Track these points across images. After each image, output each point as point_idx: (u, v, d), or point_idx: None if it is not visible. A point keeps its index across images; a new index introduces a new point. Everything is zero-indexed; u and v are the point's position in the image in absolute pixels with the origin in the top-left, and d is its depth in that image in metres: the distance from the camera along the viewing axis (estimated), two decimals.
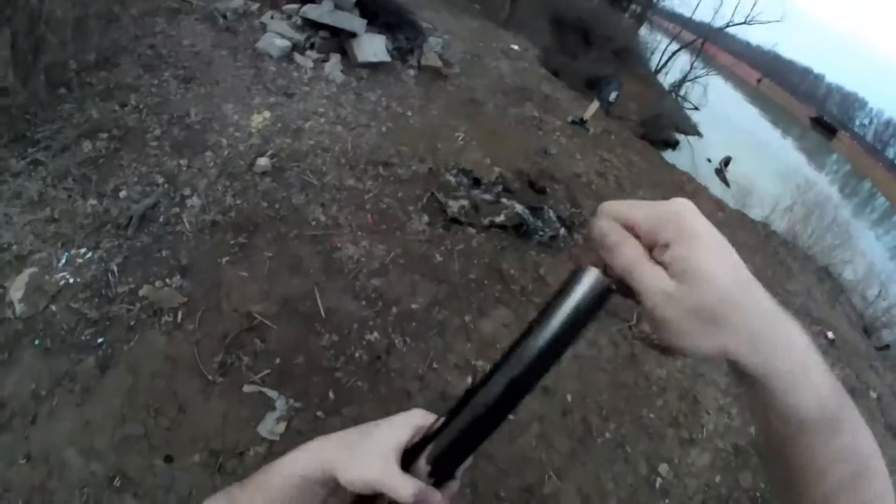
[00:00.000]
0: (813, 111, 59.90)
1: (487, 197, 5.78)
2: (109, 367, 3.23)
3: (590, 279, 0.57)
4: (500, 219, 5.47)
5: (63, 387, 3.08)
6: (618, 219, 0.55)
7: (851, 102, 70.65)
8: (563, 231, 5.82)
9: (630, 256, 0.52)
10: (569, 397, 4.25)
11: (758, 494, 4.49)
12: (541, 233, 5.61)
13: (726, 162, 17.13)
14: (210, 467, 2.97)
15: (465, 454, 0.65)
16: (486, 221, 5.41)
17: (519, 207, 5.67)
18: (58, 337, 3.28)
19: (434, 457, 0.65)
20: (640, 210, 0.54)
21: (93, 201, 4.12)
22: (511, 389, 0.61)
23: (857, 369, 6.98)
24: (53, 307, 3.42)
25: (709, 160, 17.00)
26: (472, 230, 5.30)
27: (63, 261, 3.68)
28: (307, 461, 0.70)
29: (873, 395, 6.76)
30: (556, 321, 0.59)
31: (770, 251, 9.11)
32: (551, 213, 5.94)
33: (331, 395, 3.55)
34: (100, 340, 3.33)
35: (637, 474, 4.08)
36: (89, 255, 3.77)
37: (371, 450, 0.67)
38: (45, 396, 3.01)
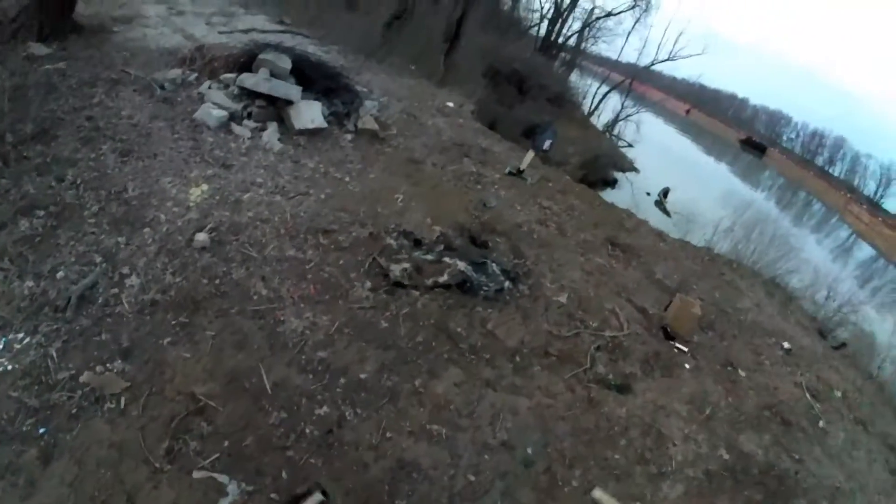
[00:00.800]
0: (742, 133, 62.97)
1: (430, 257, 5.82)
2: (53, 458, 3.13)
3: None
4: (443, 278, 5.50)
5: (6, 480, 2.99)
6: None
7: (777, 120, 74.85)
8: (507, 284, 5.88)
9: None
10: (529, 450, 4.24)
11: None
12: (486, 288, 5.65)
13: (665, 193, 17.76)
14: None
15: None
16: (429, 282, 5.43)
17: (462, 265, 5.72)
18: None
19: None
20: None
21: (30, 283, 4.04)
22: None
23: (818, 372, 7.14)
24: None
25: (648, 193, 17.61)
26: (416, 292, 5.31)
27: (0, 346, 3.60)
28: None
29: (838, 393, 6.92)
30: None
31: (716, 273, 9.37)
32: (495, 267, 6.01)
33: (284, 474, 3.46)
34: (41, 430, 3.24)
35: None
36: (27, 339, 3.68)
37: None
38: None
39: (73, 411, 3.37)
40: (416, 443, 3.92)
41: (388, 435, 3.88)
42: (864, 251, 31.54)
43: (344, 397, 4.04)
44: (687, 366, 6.00)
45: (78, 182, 5.10)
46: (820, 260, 18.73)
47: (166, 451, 3.32)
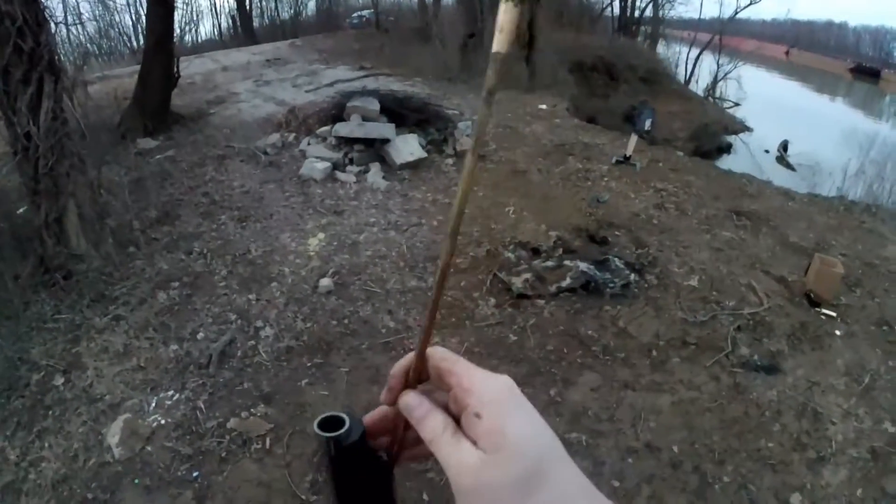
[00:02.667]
0: (850, 62, 57.54)
1: (550, 264, 5.74)
2: (207, 499, 3.34)
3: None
4: (566, 283, 5.42)
5: None
6: (435, 379, 0.59)
7: (883, 38, 67.71)
8: (633, 276, 5.70)
9: (433, 430, 0.54)
10: (676, 448, 4.05)
11: None
12: (611, 285, 5.50)
13: (784, 147, 16.51)
14: None
15: None
16: (553, 289, 5.36)
17: (583, 265, 5.62)
18: (155, 475, 3.45)
19: None
20: (456, 377, 0.56)
21: (174, 346, 4.40)
22: None
23: None
24: (149, 447, 3.61)
25: (766, 151, 16.45)
26: (541, 301, 5.26)
27: (153, 404, 3.92)
28: None
29: None
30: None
31: (854, 224, 8.54)
32: (618, 262, 5.84)
33: (425, 496, 3.53)
34: (195, 474, 3.47)
35: None
36: (177, 396, 4.00)
37: None
38: None
39: (223, 455, 3.60)
40: None
41: None
42: None
43: None
44: (838, 332, 5.51)
45: (205, 252, 5.56)
46: None
47: (311, 484, 3.47)
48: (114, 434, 3.64)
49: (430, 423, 0.55)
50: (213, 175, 7.24)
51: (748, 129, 19.17)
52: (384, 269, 5.53)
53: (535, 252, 5.99)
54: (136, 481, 3.41)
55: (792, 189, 10.05)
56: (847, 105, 37.71)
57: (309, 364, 4.36)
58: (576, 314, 5.19)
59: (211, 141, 8.30)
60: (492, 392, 0.54)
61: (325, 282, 5.18)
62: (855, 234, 8.03)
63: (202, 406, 3.92)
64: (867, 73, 51.67)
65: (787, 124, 19.56)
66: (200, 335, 4.55)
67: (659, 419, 4.25)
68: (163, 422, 3.79)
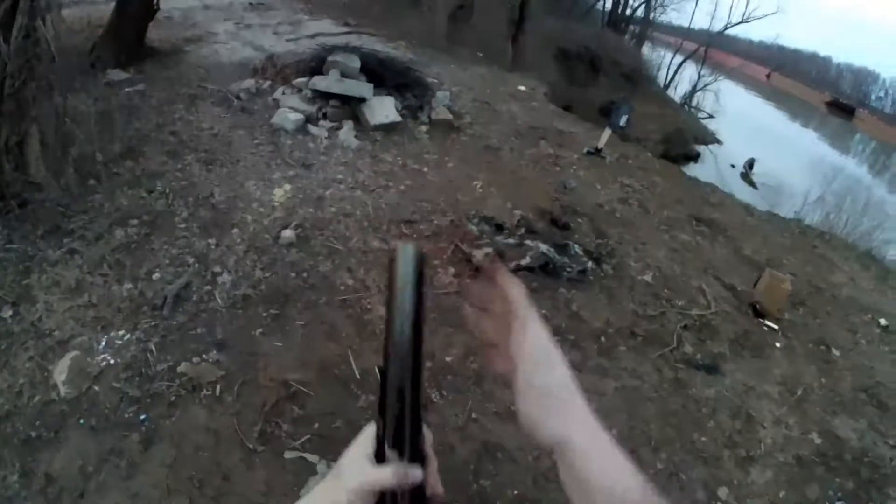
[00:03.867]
0: (827, 95, 59.01)
1: (511, 241, 5.80)
2: (153, 443, 3.30)
3: (406, 251, 0.80)
4: (525, 261, 5.47)
5: (110, 462, 3.16)
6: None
7: (864, 78, 69.51)
8: (590, 264, 5.79)
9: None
10: (615, 431, 4.16)
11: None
12: (568, 269, 5.58)
13: (750, 164, 16.96)
14: None
15: (413, 425, 0.79)
16: (512, 266, 5.39)
17: (544, 247, 5.68)
18: (102, 416, 3.39)
19: (392, 439, 0.77)
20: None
21: (128, 285, 4.29)
22: (409, 354, 0.79)
23: None
24: (96, 387, 3.54)
25: (732, 166, 16.89)
26: None
27: (103, 343, 3.82)
28: None
29: None
30: (405, 291, 0.80)
31: (807, 247, 8.89)
32: (577, 248, 5.93)
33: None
34: (142, 417, 3.43)
35: (695, 502, 3.97)
36: (128, 336, 3.91)
37: (345, 469, 0.79)
38: (92, 472, 3.08)
39: (172, 399, 3.56)
40: (502, 424, 3.94)
41: (474, 416, 3.92)
42: None
43: (430, 380, 4.10)
44: (778, 345, 5.75)
45: (167, 192, 5.41)
46: None
47: (259, 434, 3.46)
48: (61, 371, 3.55)
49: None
50: (183, 114, 7.03)
51: (718, 141, 19.61)
52: (348, 226, 5.49)
53: (499, 228, 6.03)
54: (82, 421, 3.35)
55: (752, 205, 10.35)
56: (818, 135, 38.71)
57: (265, 314, 4.32)
58: (532, 293, 5.10)
59: (184, 79, 8.05)
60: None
61: (288, 233, 5.12)
62: (806, 257, 8.33)
63: (153, 348, 3.85)
64: (842, 109, 53.03)
65: (757, 143, 20.04)
66: (156, 276, 4.44)
67: (602, 402, 4.37)
68: (112, 361, 3.71)
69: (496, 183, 7.10)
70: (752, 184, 15.69)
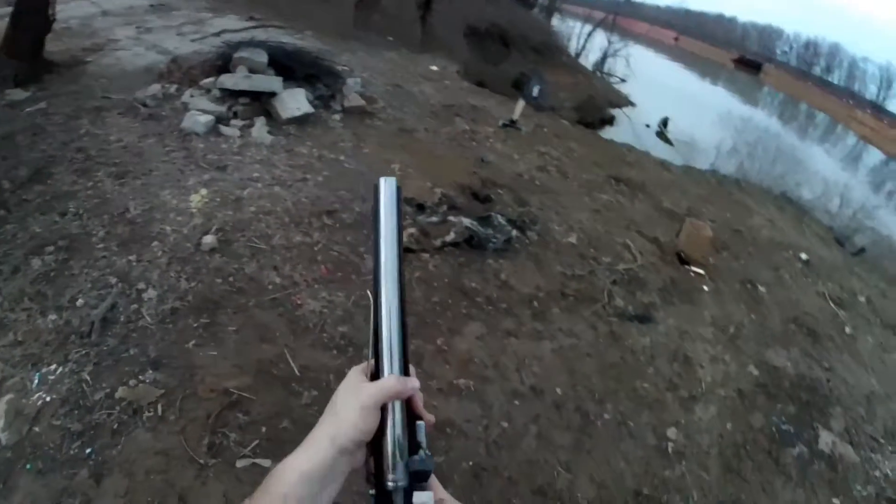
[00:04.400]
0: (734, 54, 61.45)
1: (434, 219, 5.84)
2: (104, 475, 3.18)
3: (388, 182, 0.91)
4: (450, 237, 5.53)
5: None
6: None
7: (769, 35, 73.05)
8: (515, 233, 5.92)
9: None
10: (559, 391, 4.30)
11: (773, 430, 4.56)
12: (494, 240, 5.68)
13: (664, 123, 17.48)
14: None
15: (403, 340, 0.85)
16: (437, 243, 5.46)
17: (467, 221, 5.74)
18: (48, 457, 3.23)
19: (388, 356, 0.84)
20: None
21: (53, 316, 4.08)
22: (396, 274, 0.87)
23: (839, 280, 7.13)
24: (37, 428, 3.37)
25: (647, 125, 17.35)
26: (425, 255, 5.34)
27: (36, 381, 3.63)
28: (317, 453, 0.79)
29: (861, 299, 6.90)
30: (389, 219, 0.90)
31: (724, 195, 9.32)
32: (500, 219, 6.02)
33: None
34: (88, 451, 3.29)
35: (646, 446, 4.13)
36: (60, 369, 3.72)
37: (343, 398, 0.83)
38: None
39: (115, 427, 3.42)
40: (447, 399, 4.00)
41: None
42: (874, 156, 30.81)
43: None
44: (706, 288, 6.01)
45: (80, 212, 5.13)
46: (829, 170, 18.40)
47: (208, 448, 3.39)
48: None
49: None
50: (89, 128, 6.68)
51: (632, 104, 20.13)
52: (269, 224, 5.38)
53: (420, 208, 6.05)
54: (29, 466, 3.19)
55: (668, 161, 10.72)
56: (727, 91, 40.32)
57: (195, 325, 4.20)
58: (460, 267, 5.32)
59: (87, 91, 7.63)
60: None
61: (209, 239, 4.97)
62: (724, 205, 8.73)
63: (87, 378, 3.68)
64: (749, 65, 55.36)
65: (669, 103, 20.70)
66: (80, 302, 4.23)
67: (541, 364, 4.49)
68: (48, 399, 3.54)
69: (414, 164, 7.11)
70: (667, 141, 16.19)
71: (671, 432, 4.27)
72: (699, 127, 17.39)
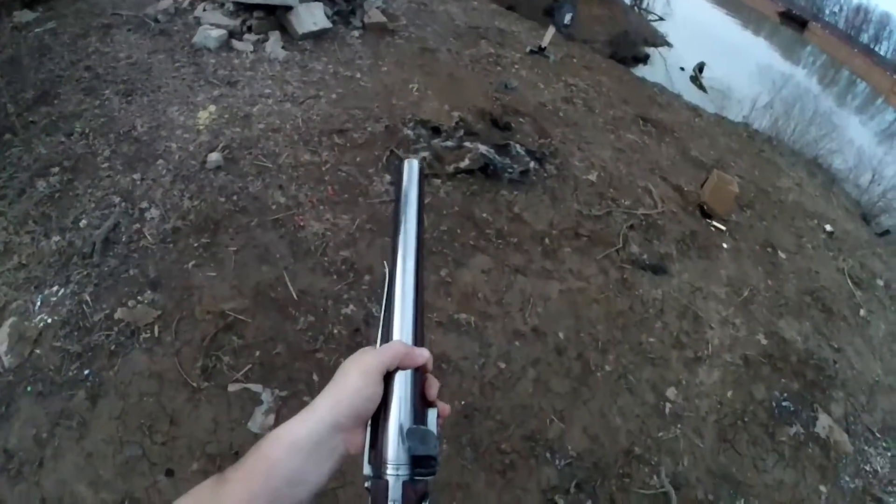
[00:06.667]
0: (780, 6, 58.81)
1: (449, 144, 5.62)
2: (100, 397, 3.23)
3: (411, 164, 0.94)
4: (464, 163, 5.32)
5: (61, 426, 3.09)
6: None
7: None
8: (533, 164, 5.67)
9: None
10: (562, 335, 4.18)
11: (774, 405, 4.44)
12: (510, 170, 5.45)
13: (700, 68, 16.78)
14: (209, 473, 2.89)
15: (418, 310, 0.82)
16: (450, 169, 5.26)
17: (483, 148, 5.50)
18: (47, 379, 3.28)
19: (401, 326, 0.80)
20: None
21: (56, 238, 4.07)
22: (417, 247, 0.87)
23: (861, 258, 6.89)
24: (38, 351, 3.41)
25: (682, 69, 16.64)
26: (437, 181, 5.17)
27: (39, 303, 3.66)
28: (312, 420, 0.72)
29: (880, 282, 6.68)
30: (409, 197, 0.91)
31: (754, 151, 8.96)
32: (519, 149, 5.78)
33: (315, 377, 3.52)
34: (86, 372, 3.33)
35: (644, 403, 4.04)
36: (61, 291, 3.74)
37: (350, 364, 0.76)
38: (46, 439, 3.02)
39: (113, 348, 3.44)
40: (446, 334, 3.91)
41: None
42: None
43: (370, 294, 4.03)
44: (725, 246, 5.80)
45: (86, 132, 5.06)
46: (864, 142, 17.61)
47: (202, 370, 3.40)
48: (1, 341, 3.43)
49: None
50: (98, 47, 6.49)
51: (668, 44, 19.27)
52: (277, 142, 5.23)
53: (436, 131, 5.81)
54: (29, 388, 3.24)
55: (700, 107, 10.28)
56: (769, 44, 38.62)
57: (196, 245, 4.15)
58: (472, 196, 5.15)
59: (96, 9, 7.38)
60: None
61: (214, 157, 4.85)
62: (753, 161, 8.37)
63: (88, 299, 3.69)
64: (795, 20, 52.81)
65: (707, 48, 19.78)
66: (83, 223, 4.21)
67: (547, 305, 4.35)
68: (49, 320, 3.56)
69: (433, 86, 6.82)
70: (701, 87, 15.57)
71: (671, 392, 4.16)
72: (736, 77, 16.61)
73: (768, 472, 4.03)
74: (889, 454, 4.62)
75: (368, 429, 0.73)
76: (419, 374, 0.77)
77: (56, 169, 4.65)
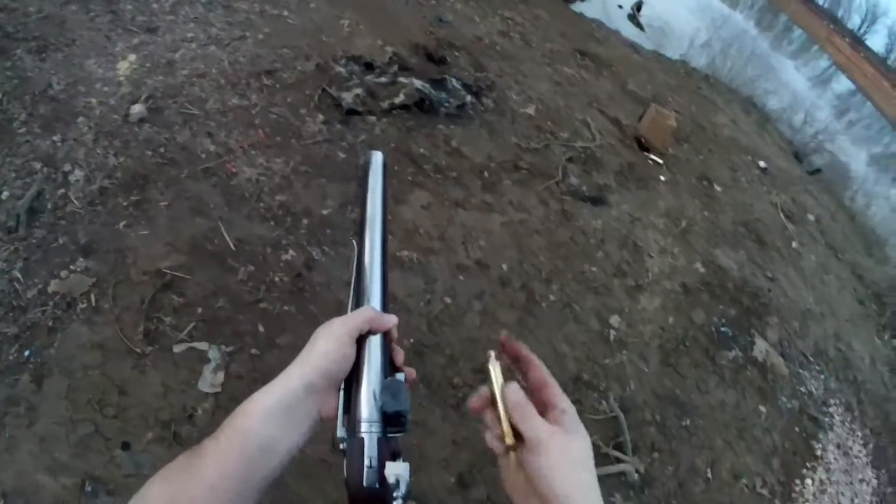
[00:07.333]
0: None
1: (383, 80, 5.47)
2: (45, 377, 3.10)
3: (377, 155, 1.09)
4: (399, 99, 5.22)
5: (10, 414, 2.96)
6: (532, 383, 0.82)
7: None
8: (470, 98, 5.62)
9: (526, 411, 0.73)
10: (505, 267, 4.21)
11: (713, 330, 4.59)
12: (446, 104, 5.39)
13: (638, 6, 16.72)
14: (166, 440, 2.94)
15: (384, 281, 0.90)
16: (385, 105, 5.15)
17: (418, 83, 5.41)
18: None
19: (370, 301, 0.87)
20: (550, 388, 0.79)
21: None
22: (379, 235, 0.94)
23: (793, 194, 7.14)
24: None
25: (620, 6, 16.60)
26: (372, 118, 5.06)
27: None
28: (283, 386, 0.73)
29: (811, 217, 6.94)
30: (374, 184, 1.03)
31: (692, 87, 9.11)
32: (455, 83, 5.70)
33: (261, 328, 3.47)
34: (27, 354, 3.18)
35: (589, 331, 4.12)
36: None
37: (321, 332, 0.79)
38: None
39: (51, 324, 3.30)
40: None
41: None
42: (843, 84, 30.90)
43: (309, 238, 3.96)
44: (662, 178, 5.92)
45: None
46: (799, 86, 18.10)
47: (144, 335, 3.30)
48: None
49: (526, 409, 0.74)
50: (4, 2, 6.07)
51: None
52: (203, 88, 5.02)
53: (369, 67, 5.66)
54: None
55: (638, 44, 10.30)
56: None
57: (125, 203, 3.97)
58: (408, 132, 5.08)
59: None
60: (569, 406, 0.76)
61: (137, 108, 4.62)
62: (691, 97, 8.49)
63: (19, 276, 3.49)
64: None
65: None
66: (5, 194, 3.94)
67: (489, 238, 4.37)
68: None
69: (365, 20, 6.61)
70: (639, 25, 15.54)
71: (614, 320, 4.26)
72: (674, 14, 16.69)
73: (710, 393, 4.19)
74: (822, 377, 4.87)
75: (342, 393, 0.76)
76: (388, 340, 0.83)
77: None
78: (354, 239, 0.94)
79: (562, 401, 0.75)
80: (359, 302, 0.86)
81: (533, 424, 0.71)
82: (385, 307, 0.86)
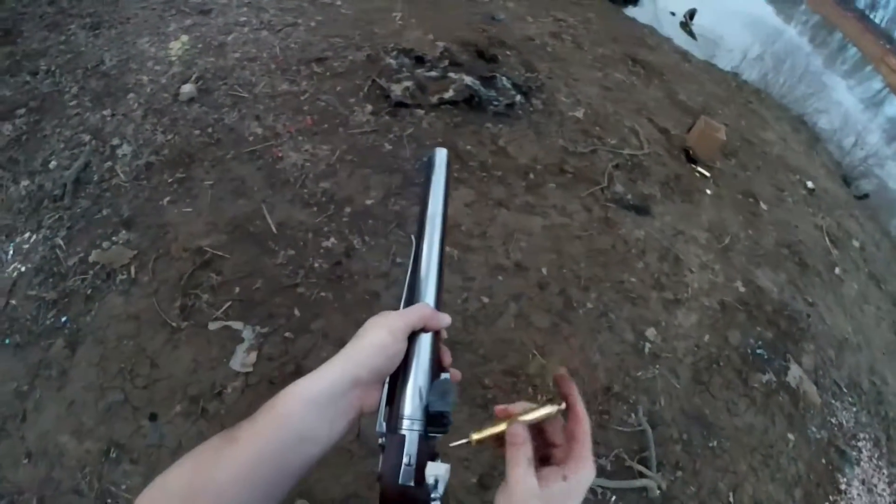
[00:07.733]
0: None
1: (433, 74, 5.45)
2: (78, 343, 3.16)
3: (441, 152, 1.06)
4: (448, 94, 5.18)
5: (41, 376, 3.03)
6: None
7: None
8: (519, 98, 5.53)
9: (517, 457, 0.69)
10: (544, 271, 4.14)
11: (748, 351, 4.46)
12: (495, 102, 5.32)
13: (691, 14, 16.45)
14: (193, 414, 2.95)
15: (440, 279, 0.88)
16: (434, 99, 5.11)
17: (468, 79, 5.36)
18: (24, 329, 3.21)
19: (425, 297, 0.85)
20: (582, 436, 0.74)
21: (25, 182, 3.95)
22: (438, 232, 0.93)
23: (838, 218, 6.91)
24: (13, 301, 3.33)
25: (672, 13, 16.33)
26: (420, 111, 5.03)
27: (11, 252, 3.57)
28: (328, 376, 0.72)
29: (856, 243, 6.71)
30: (437, 181, 1.00)
31: (742, 101, 8.86)
32: (505, 81, 5.62)
33: (296, 312, 3.45)
34: (63, 319, 3.26)
35: (624, 342, 4.02)
36: (34, 237, 3.65)
37: (372, 324, 0.78)
38: (27, 391, 2.97)
39: (89, 293, 3.37)
40: None
41: (398, 261, 3.80)
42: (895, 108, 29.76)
43: (350, 227, 3.95)
44: (708, 192, 5.77)
45: (52, 69, 4.87)
46: (850, 106, 17.56)
47: (180, 310, 3.32)
48: None
49: (520, 451, 0.70)
50: None
51: None
52: (253, 72, 5.07)
53: (419, 61, 5.63)
54: (7, 341, 3.17)
55: (689, 52, 10.12)
56: None
57: (170, 180, 4.03)
58: (455, 127, 5.04)
59: None
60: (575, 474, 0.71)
61: (187, 88, 4.69)
62: (740, 111, 8.27)
63: (61, 243, 3.59)
64: None
65: None
66: (53, 164, 4.07)
67: (530, 240, 4.31)
68: (23, 269, 3.48)
69: (417, 14, 6.61)
70: (691, 34, 15.29)
71: (650, 332, 4.15)
72: (727, 27, 16.35)
73: (740, 416, 4.07)
74: (854, 409, 4.71)
75: (385, 386, 0.76)
76: (437, 339, 0.81)
77: (22, 110, 4.48)
78: (413, 234, 0.93)
79: (573, 469, 0.71)
80: (412, 298, 0.85)
81: (517, 473, 0.68)
82: (439, 305, 0.84)
